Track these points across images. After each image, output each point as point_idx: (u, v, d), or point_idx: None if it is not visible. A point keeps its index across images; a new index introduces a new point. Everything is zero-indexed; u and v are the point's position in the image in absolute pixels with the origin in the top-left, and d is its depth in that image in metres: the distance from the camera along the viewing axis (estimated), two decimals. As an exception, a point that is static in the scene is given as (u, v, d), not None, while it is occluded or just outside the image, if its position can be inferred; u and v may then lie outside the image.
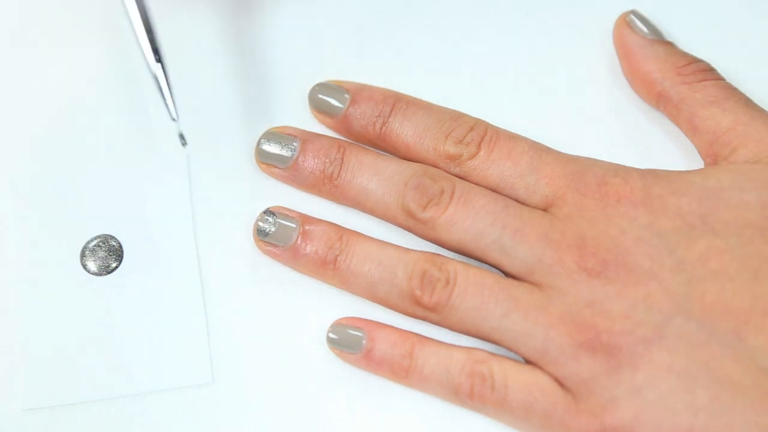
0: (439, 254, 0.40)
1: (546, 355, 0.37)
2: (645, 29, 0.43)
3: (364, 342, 0.39)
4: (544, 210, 0.39)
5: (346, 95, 0.42)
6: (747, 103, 0.41)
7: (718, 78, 0.42)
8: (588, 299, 0.37)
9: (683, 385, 0.35)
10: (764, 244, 0.37)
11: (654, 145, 0.43)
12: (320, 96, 0.43)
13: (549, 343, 0.37)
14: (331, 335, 0.40)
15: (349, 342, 0.39)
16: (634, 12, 0.43)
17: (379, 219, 0.42)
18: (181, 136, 0.39)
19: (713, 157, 0.40)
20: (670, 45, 0.43)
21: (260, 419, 0.39)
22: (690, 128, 0.41)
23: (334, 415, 0.39)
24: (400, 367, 0.39)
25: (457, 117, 0.42)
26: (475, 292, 0.38)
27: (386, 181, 0.41)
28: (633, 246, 0.37)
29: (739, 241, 0.37)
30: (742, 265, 0.37)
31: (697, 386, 0.35)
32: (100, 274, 0.41)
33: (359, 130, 0.42)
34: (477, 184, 0.40)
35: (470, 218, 0.39)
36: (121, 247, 0.42)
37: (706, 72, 0.42)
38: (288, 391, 0.40)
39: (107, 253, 0.41)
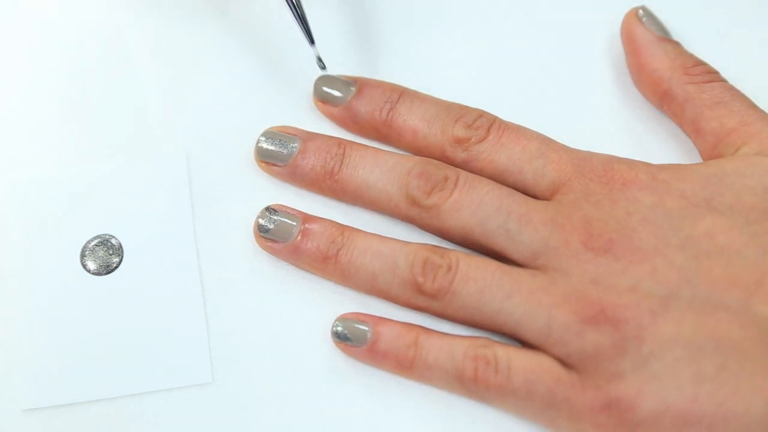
0: (440, 246, 0.40)
1: (549, 336, 0.37)
2: (654, 27, 0.43)
3: (369, 335, 0.39)
4: (550, 197, 0.40)
5: (352, 86, 0.43)
6: (751, 105, 0.41)
7: (723, 80, 0.42)
8: (593, 276, 0.37)
9: (689, 355, 0.35)
10: None
11: (654, 146, 0.43)
12: (326, 84, 0.43)
13: (552, 323, 0.37)
14: (335, 329, 0.39)
15: (354, 335, 0.39)
16: (644, 8, 0.44)
17: (379, 216, 0.42)
18: (319, 59, 0.40)
19: (716, 157, 0.40)
20: (678, 44, 0.43)
21: (260, 419, 0.39)
22: (694, 129, 0.41)
23: (335, 415, 0.39)
24: (405, 357, 0.39)
25: (464, 107, 0.42)
26: (477, 276, 0.38)
27: (388, 171, 0.41)
28: (639, 225, 0.38)
29: (745, 221, 0.37)
30: (749, 241, 0.37)
31: (703, 356, 0.35)
32: (100, 274, 0.41)
33: (365, 116, 0.42)
34: (484, 168, 0.40)
35: (475, 203, 0.39)
36: (120, 246, 0.42)
37: (713, 74, 0.42)
38: (288, 391, 0.40)
39: (107, 253, 0.41)
